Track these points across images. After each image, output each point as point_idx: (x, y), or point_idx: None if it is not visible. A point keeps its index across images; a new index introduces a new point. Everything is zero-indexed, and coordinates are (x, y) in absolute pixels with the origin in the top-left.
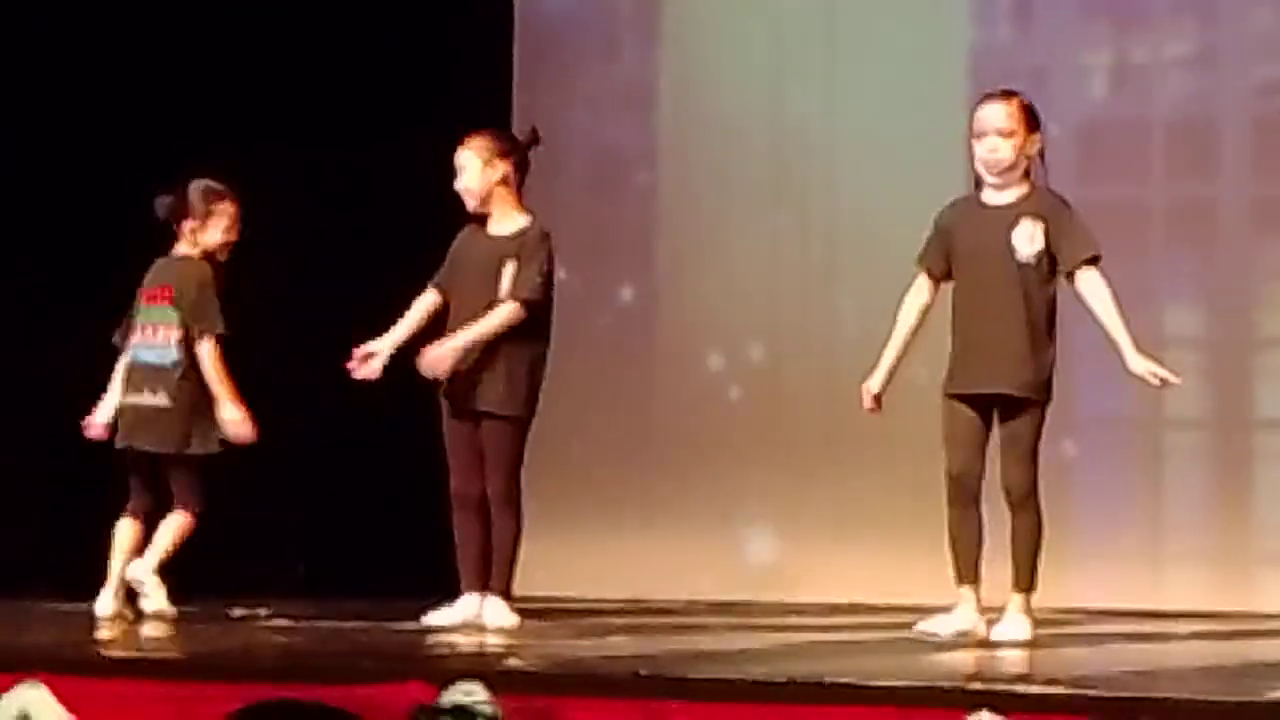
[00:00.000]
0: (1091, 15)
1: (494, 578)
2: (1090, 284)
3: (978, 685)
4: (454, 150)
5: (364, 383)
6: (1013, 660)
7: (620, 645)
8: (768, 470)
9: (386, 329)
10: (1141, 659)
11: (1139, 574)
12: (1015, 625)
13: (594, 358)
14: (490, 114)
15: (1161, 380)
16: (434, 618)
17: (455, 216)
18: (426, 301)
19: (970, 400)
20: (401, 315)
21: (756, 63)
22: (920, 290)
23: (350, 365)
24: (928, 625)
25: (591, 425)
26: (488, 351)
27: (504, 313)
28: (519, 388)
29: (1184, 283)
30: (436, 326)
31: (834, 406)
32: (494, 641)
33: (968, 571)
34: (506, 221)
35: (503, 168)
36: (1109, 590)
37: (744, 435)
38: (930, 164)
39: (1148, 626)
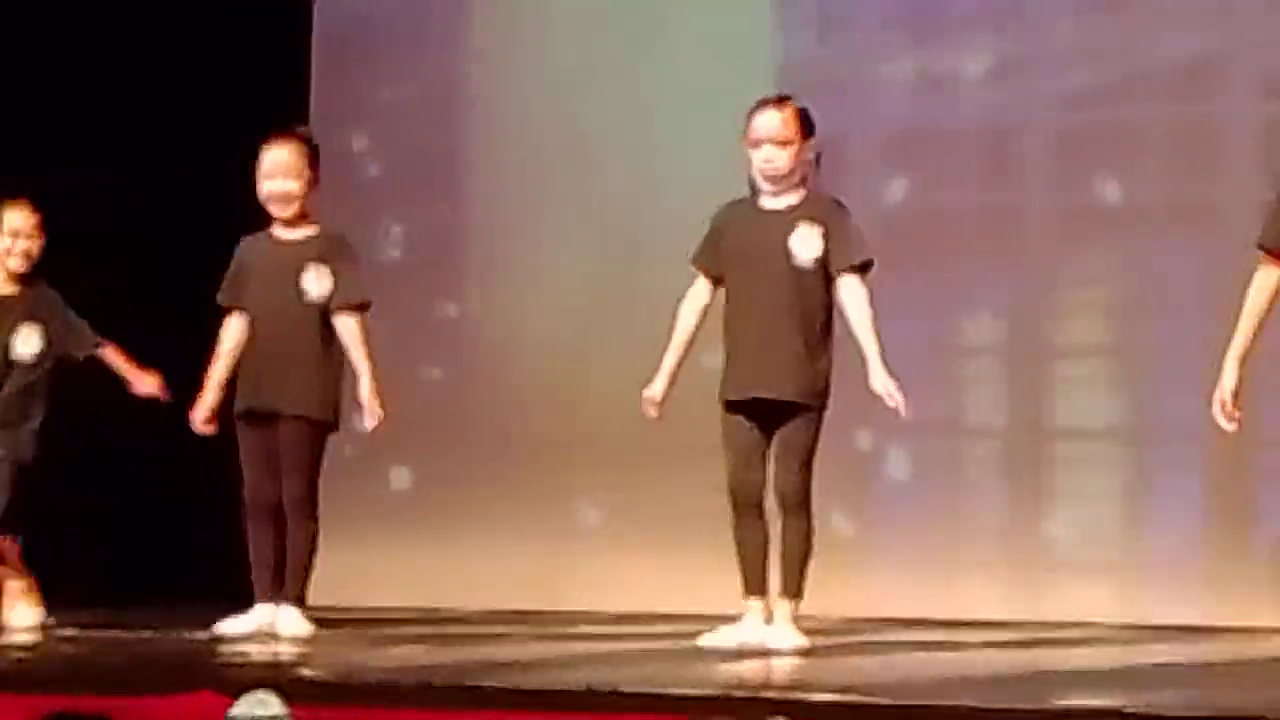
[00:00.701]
0: (893, 27)
1: (288, 585)
2: (851, 291)
3: (770, 694)
4: (249, 155)
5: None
6: (804, 668)
7: (414, 655)
8: (564, 478)
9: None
10: (933, 667)
11: (934, 582)
12: (784, 634)
13: (396, 364)
14: (287, 117)
15: (895, 406)
16: (226, 626)
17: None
18: (236, 327)
19: (747, 407)
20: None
21: (562, 67)
22: (699, 292)
23: (199, 426)
24: (711, 638)
25: (390, 432)
26: (288, 354)
27: (355, 324)
28: (320, 390)
29: (986, 291)
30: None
31: (632, 413)
32: (287, 651)
33: (754, 582)
34: (300, 228)
35: (312, 174)
36: (904, 599)
37: (541, 443)
38: (735, 172)
39: (941, 635)
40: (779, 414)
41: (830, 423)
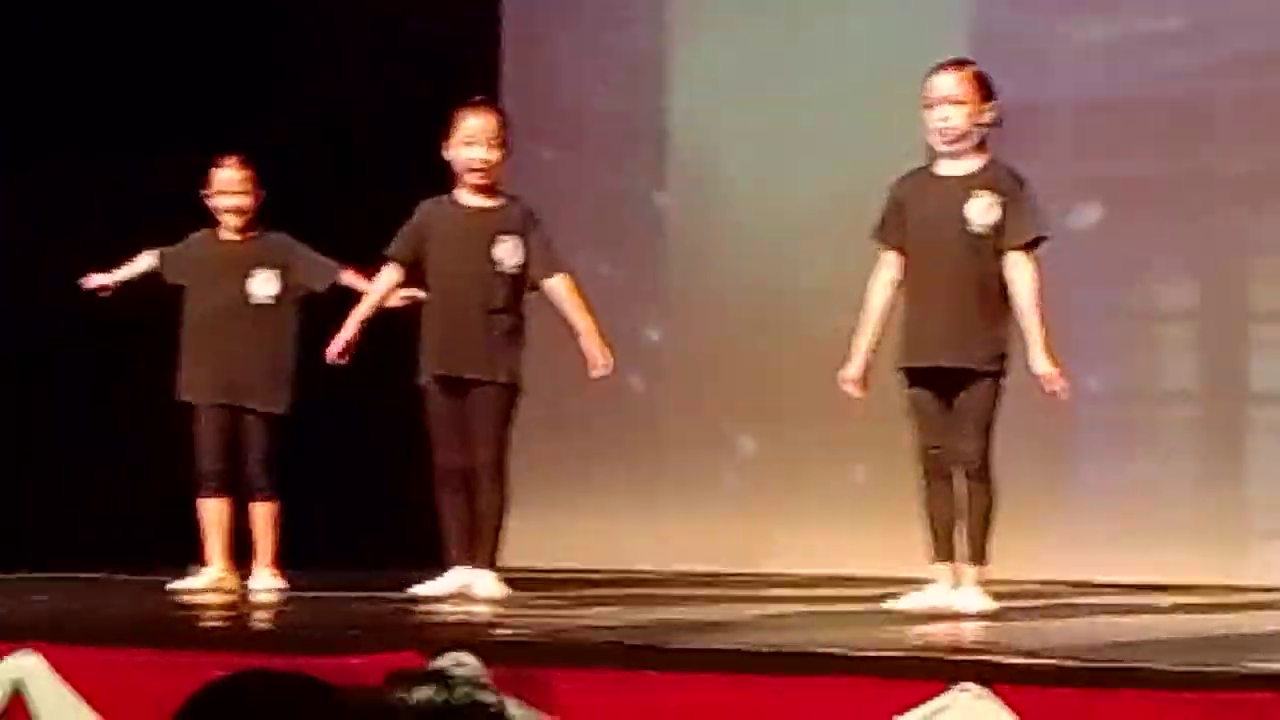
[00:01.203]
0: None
1: (480, 549)
2: (1018, 268)
3: (959, 657)
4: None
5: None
6: (992, 631)
7: (607, 616)
8: (750, 442)
9: None
10: (1125, 630)
11: (1129, 547)
12: (971, 598)
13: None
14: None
15: (1056, 390)
16: (422, 589)
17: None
18: (390, 278)
19: (927, 375)
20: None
21: (757, 43)
22: (886, 267)
23: (332, 356)
24: (899, 602)
25: (578, 396)
26: (479, 321)
27: (564, 286)
28: (510, 356)
29: (1179, 256)
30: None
31: (817, 379)
32: (482, 612)
33: (941, 547)
34: (491, 197)
35: (508, 144)
36: (1098, 564)
37: (730, 404)
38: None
39: (1133, 599)
40: (959, 381)
41: (1022, 387)
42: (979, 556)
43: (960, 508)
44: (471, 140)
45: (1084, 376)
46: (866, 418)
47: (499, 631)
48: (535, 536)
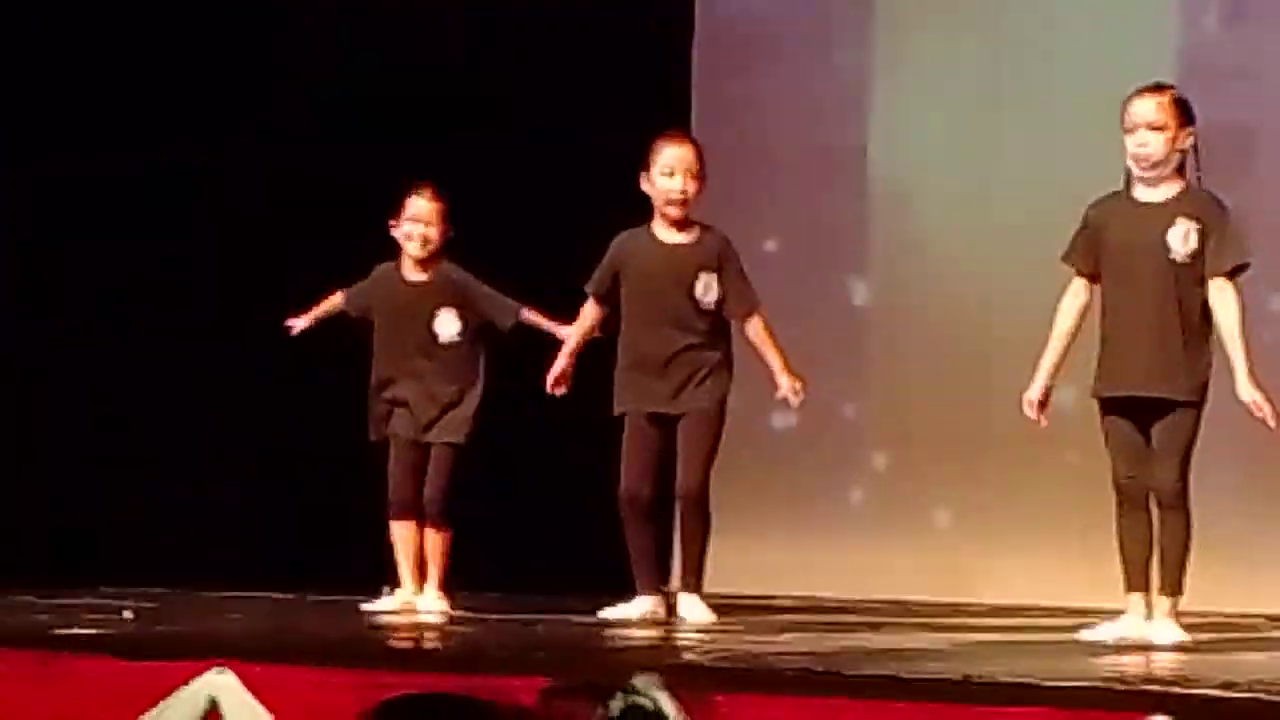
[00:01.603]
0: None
1: (686, 574)
2: (1222, 295)
3: (1153, 687)
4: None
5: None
6: (1185, 664)
7: (796, 642)
8: (940, 468)
9: None
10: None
11: None
12: (1165, 630)
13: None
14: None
15: (1263, 417)
16: (612, 612)
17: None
18: (592, 312)
19: (1125, 404)
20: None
21: (962, 56)
22: (1077, 292)
23: (550, 387)
24: (1092, 633)
25: (769, 424)
26: (691, 354)
27: (758, 325)
28: (720, 388)
29: None
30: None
31: (1010, 403)
32: (668, 636)
33: (1136, 578)
34: (685, 230)
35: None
36: None
37: (916, 435)
38: None
39: None
40: (1158, 410)
41: (1225, 416)
42: (1174, 588)
43: (1156, 538)
44: (671, 171)
45: None
46: (1059, 447)
47: (687, 656)
48: (722, 562)
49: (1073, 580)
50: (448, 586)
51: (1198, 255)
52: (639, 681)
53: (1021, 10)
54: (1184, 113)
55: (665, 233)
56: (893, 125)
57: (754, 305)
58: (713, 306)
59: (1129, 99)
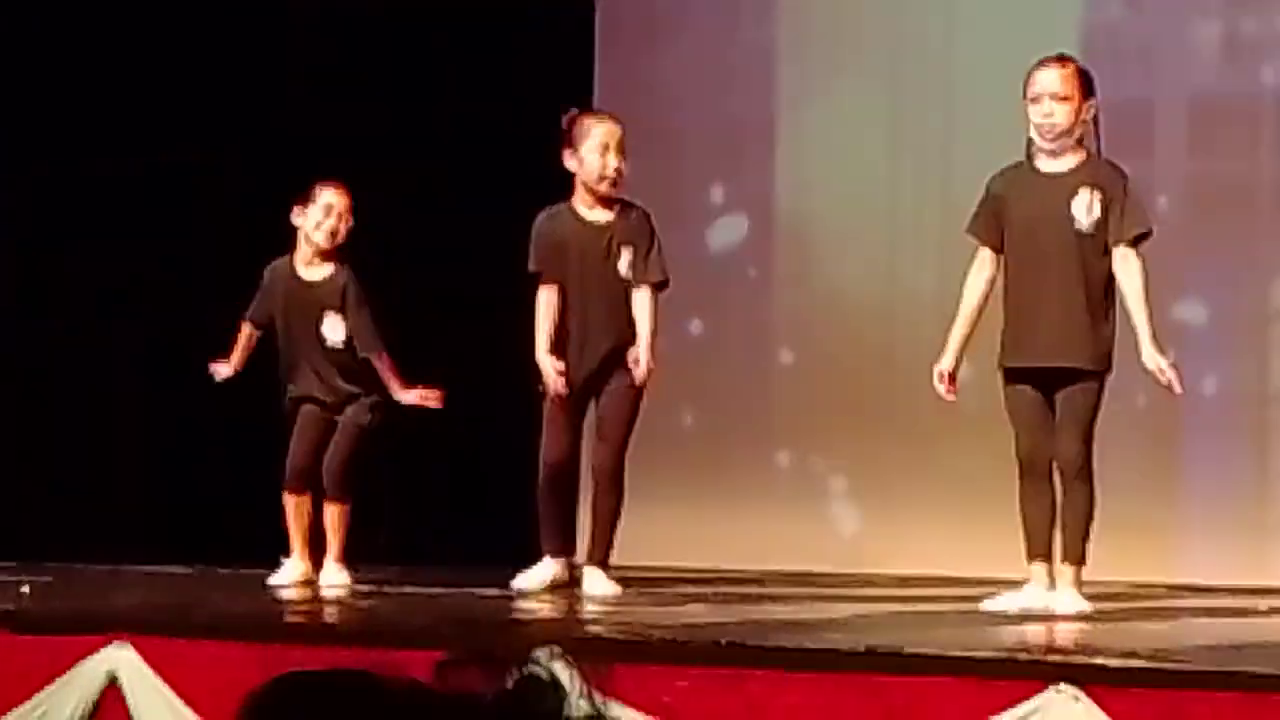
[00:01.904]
0: None
1: (595, 548)
2: (1127, 263)
3: (1054, 658)
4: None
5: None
6: (1088, 633)
7: (701, 613)
8: (843, 442)
9: None
10: (1221, 633)
11: (1237, 549)
12: (1067, 599)
13: (684, 331)
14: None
15: (1168, 381)
16: (522, 581)
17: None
18: (549, 298)
19: (1029, 374)
20: None
21: (872, 39)
22: (983, 265)
23: (546, 394)
24: (995, 602)
25: (679, 395)
26: (614, 331)
27: (649, 302)
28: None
29: None
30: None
31: (912, 378)
32: (571, 609)
33: (1038, 547)
34: (609, 206)
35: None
36: (1204, 565)
37: (820, 408)
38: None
39: (1233, 601)
40: (1062, 380)
41: (1127, 387)
42: (1077, 557)
43: (1059, 508)
44: (606, 149)
45: (1190, 379)
46: (962, 419)
47: (591, 629)
48: (625, 534)
49: (975, 551)
50: (348, 559)
51: (1101, 225)
52: (539, 653)
53: None
54: (1087, 84)
55: (588, 210)
56: (798, 100)
57: (660, 280)
58: (626, 278)
59: (1033, 69)
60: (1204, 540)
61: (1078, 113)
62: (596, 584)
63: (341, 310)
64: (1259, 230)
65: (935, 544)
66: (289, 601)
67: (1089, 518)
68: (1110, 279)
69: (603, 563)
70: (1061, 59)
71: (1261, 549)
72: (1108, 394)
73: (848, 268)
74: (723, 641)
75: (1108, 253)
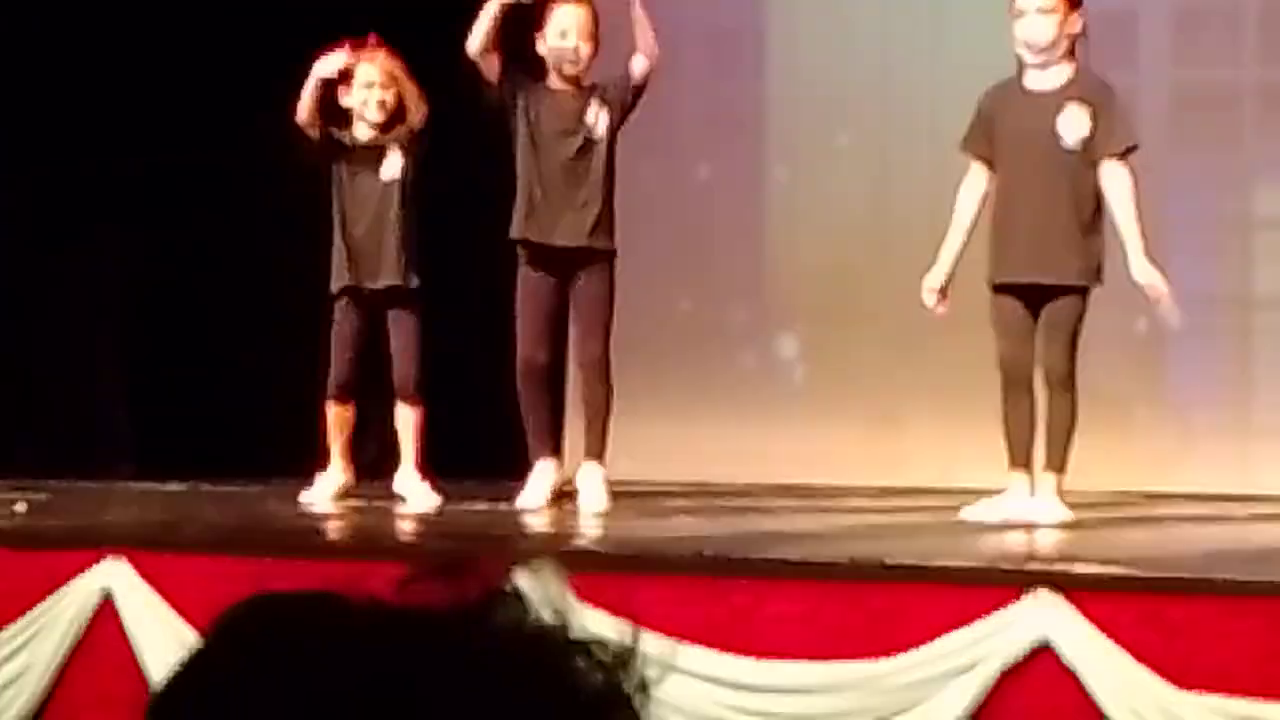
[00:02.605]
0: None
1: (593, 441)
2: (1114, 177)
3: (1034, 565)
4: None
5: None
6: (1067, 541)
7: (685, 526)
8: (827, 356)
9: None
10: (1200, 539)
11: (1220, 455)
12: (1048, 507)
13: (671, 240)
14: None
15: (1158, 298)
16: (527, 499)
17: None
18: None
19: (1017, 288)
20: None
21: None
22: (975, 178)
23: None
24: (975, 511)
25: (657, 308)
26: (578, 196)
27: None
28: (610, 227)
29: (1277, 166)
30: None
31: (894, 292)
32: (563, 523)
33: (1019, 456)
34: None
35: None
36: (1188, 470)
37: (803, 321)
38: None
39: (1214, 509)
40: (1048, 294)
41: (1108, 295)
42: (1058, 465)
43: (1034, 417)
44: (566, 32)
45: (1173, 283)
46: (945, 329)
47: (578, 542)
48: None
49: (957, 459)
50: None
51: (1088, 141)
52: (531, 564)
53: None
54: None
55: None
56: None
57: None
58: (605, 141)
59: None
60: (1185, 446)
61: (1063, 24)
62: (592, 485)
63: None
64: (1244, 134)
65: (915, 454)
66: (280, 515)
67: (1072, 427)
68: (1098, 195)
69: (600, 456)
70: None
71: (1243, 455)
72: (1100, 310)
73: (837, 176)
74: (706, 553)
75: (1095, 168)
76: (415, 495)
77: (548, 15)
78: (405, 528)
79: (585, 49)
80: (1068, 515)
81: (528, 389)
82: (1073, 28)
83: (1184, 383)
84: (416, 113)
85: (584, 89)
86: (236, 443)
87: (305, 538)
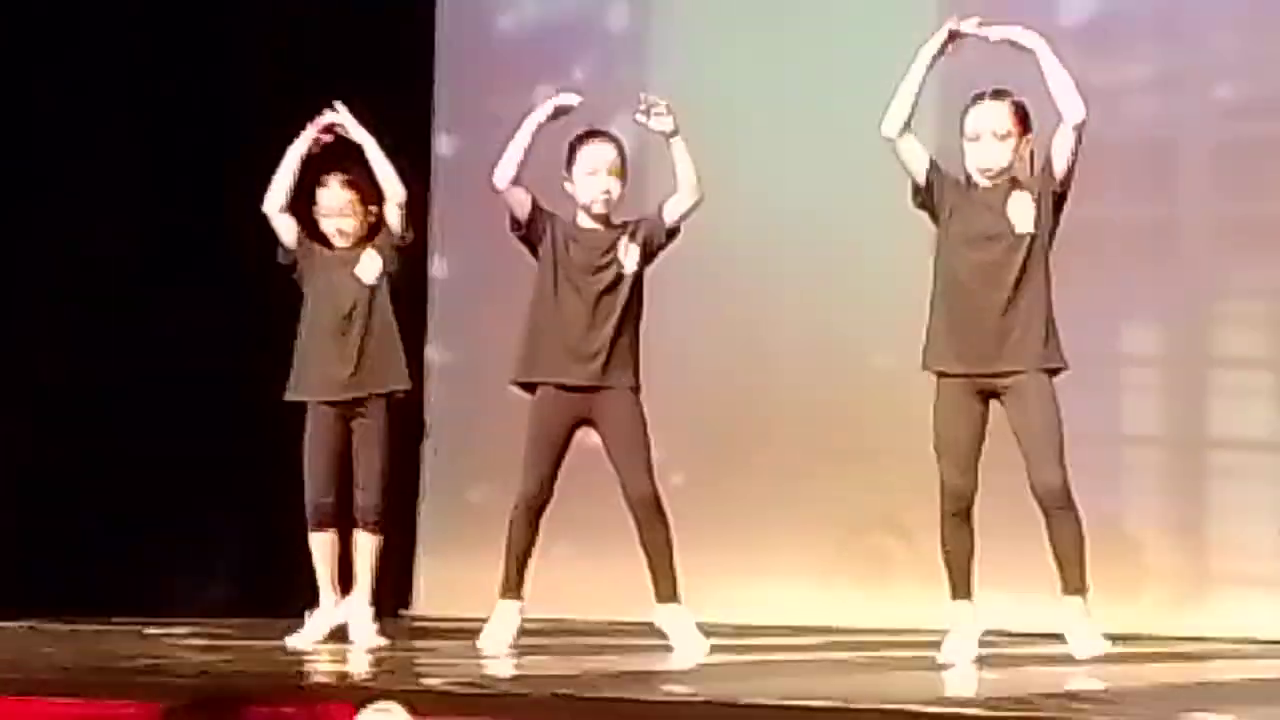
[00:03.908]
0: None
1: (662, 586)
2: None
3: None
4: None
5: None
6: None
7: (538, 665)
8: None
9: None
10: (1061, 681)
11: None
12: (1090, 635)
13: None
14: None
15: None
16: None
17: None
18: None
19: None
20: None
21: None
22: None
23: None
24: (948, 653)
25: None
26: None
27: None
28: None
29: (1141, 301)
30: None
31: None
32: (414, 661)
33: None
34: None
35: None
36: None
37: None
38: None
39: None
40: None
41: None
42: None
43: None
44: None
45: None
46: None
47: (428, 681)
48: (458, 585)
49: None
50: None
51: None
52: (380, 707)
53: None
54: (1026, 118)
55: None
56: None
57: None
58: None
59: (970, 105)
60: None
61: (1019, 150)
62: (683, 630)
63: None
64: (1106, 276)
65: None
66: (120, 654)
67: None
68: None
69: (676, 597)
70: (999, 93)
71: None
72: None
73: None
74: (560, 692)
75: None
76: (359, 629)
77: (576, 154)
78: (249, 666)
79: (616, 187)
80: (1108, 646)
81: (521, 526)
82: (1024, 150)
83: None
84: (394, 223)
85: (614, 226)
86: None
87: (147, 677)
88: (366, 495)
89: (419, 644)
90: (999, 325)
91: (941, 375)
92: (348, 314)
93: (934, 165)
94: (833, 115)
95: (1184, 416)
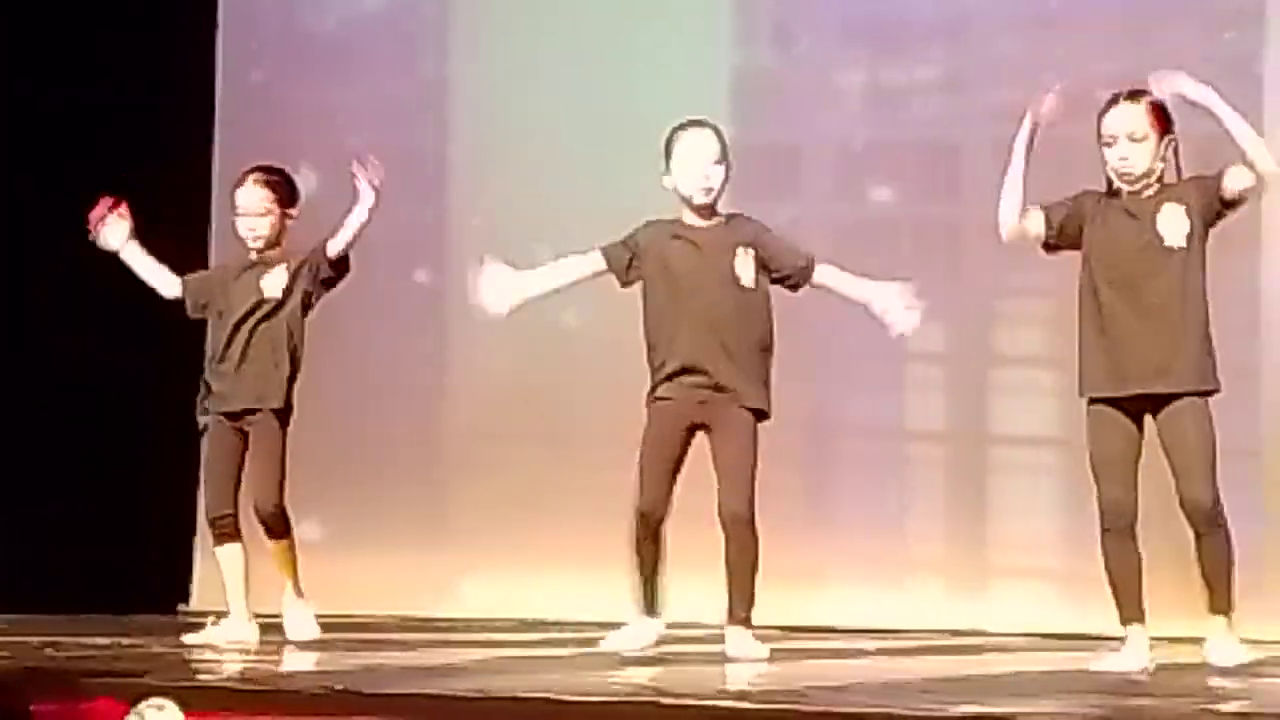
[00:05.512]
0: (849, 39)
1: (735, 605)
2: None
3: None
4: None
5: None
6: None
7: (319, 660)
8: (471, 491)
9: None
10: (836, 674)
11: (878, 587)
12: (1236, 646)
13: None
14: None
15: None
16: (620, 641)
17: None
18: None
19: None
20: None
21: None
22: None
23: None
24: (1101, 664)
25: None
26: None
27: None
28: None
29: (930, 299)
30: None
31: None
32: (190, 657)
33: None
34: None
35: None
36: (851, 606)
37: (452, 454)
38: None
39: (841, 643)
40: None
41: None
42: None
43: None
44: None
45: (842, 411)
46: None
47: (203, 677)
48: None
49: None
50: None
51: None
52: (153, 704)
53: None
54: (1165, 118)
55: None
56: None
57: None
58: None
59: (1106, 106)
60: (850, 582)
61: (1158, 152)
62: (745, 646)
63: None
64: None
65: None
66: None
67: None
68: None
69: (746, 620)
70: (1135, 94)
71: (901, 587)
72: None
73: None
74: (337, 687)
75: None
76: (295, 622)
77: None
78: (17, 663)
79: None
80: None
81: (644, 541)
82: (1167, 153)
83: (843, 514)
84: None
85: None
86: None
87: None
88: (262, 505)
89: (194, 639)
90: (1151, 345)
91: (1093, 401)
92: (238, 321)
93: (1048, 218)
94: (623, 108)
95: (965, 413)
